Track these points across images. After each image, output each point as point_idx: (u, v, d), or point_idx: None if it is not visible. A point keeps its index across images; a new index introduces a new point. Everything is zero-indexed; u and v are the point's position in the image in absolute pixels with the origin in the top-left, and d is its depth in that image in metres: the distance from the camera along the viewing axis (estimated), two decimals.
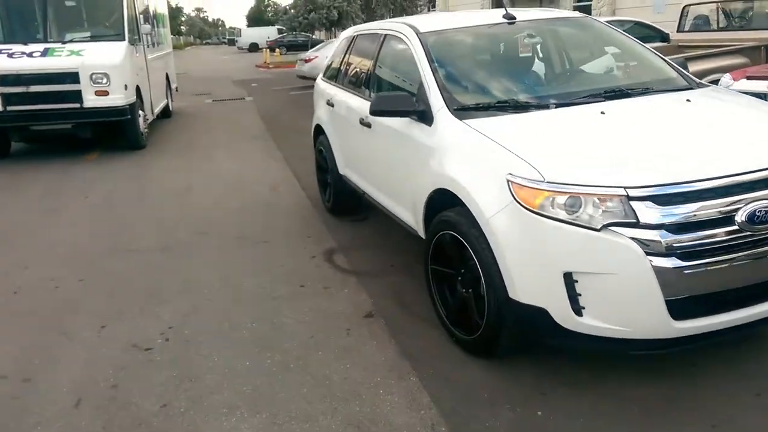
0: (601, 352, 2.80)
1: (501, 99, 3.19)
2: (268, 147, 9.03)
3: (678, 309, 2.32)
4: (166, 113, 12.02)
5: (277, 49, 30.18)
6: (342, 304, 3.64)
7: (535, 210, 2.42)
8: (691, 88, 3.30)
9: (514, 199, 2.48)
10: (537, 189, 2.42)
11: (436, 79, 3.26)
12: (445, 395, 2.68)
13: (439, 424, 2.50)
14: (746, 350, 2.83)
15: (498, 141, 2.73)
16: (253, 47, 49.88)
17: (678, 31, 9.05)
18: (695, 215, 2.30)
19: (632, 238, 2.27)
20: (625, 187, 2.31)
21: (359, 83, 4.29)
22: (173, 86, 13.52)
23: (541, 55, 3.79)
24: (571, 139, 2.69)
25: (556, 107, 3.03)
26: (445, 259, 3.09)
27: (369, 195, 4.24)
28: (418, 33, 3.62)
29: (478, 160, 2.73)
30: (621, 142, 2.65)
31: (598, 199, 2.32)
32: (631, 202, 2.29)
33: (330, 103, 4.89)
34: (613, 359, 2.82)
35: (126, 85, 8.34)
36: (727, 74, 5.51)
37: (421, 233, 3.37)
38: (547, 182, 2.40)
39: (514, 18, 3.73)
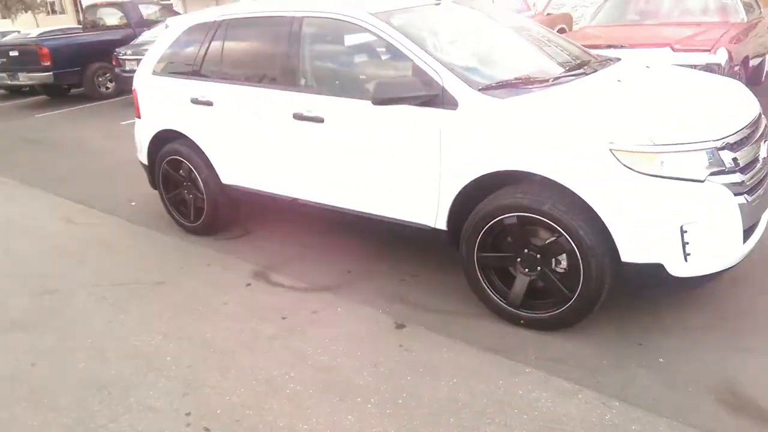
0: (679, 288, 3.06)
1: (515, 76, 3.17)
2: None
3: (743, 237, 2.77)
4: None
5: None
6: (354, 323, 3.17)
7: (647, 173, 2.56)
8: (611, 61, 3.81)
9: (624, 165, 2.57)
10: (648, 153, 2.56)
11: (440, 62, 3.06)
12: (576, 375, 2.65)
13: (608, 400, 2.47)
14: None
15: (576, 114, 2.77)
16: None
17: None
18: (748, 157, 2.77)
19: (723, 184, 2.62)
20: (713, 140, 2.63)
21: (279, 75, 3.67)
22: None
23: (489, 34, 3.86)
24: (633, 105, 2.89)
25: (554, 81, 3.18)
26: (497, 245, 2.99)
27: (308, 200, 3.72)
28: (375, 15, 3.31)
29: (562, 135, 2.68)
30: (668, 104, 2.96)
31: (699, 153, 2.60)
32: (719, 152, 2.64)
33: (202, 102, 4.06)
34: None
35: None
36: None
37: (441, 225, 3.16)
38: (656, 145, 2.56)
39: None
